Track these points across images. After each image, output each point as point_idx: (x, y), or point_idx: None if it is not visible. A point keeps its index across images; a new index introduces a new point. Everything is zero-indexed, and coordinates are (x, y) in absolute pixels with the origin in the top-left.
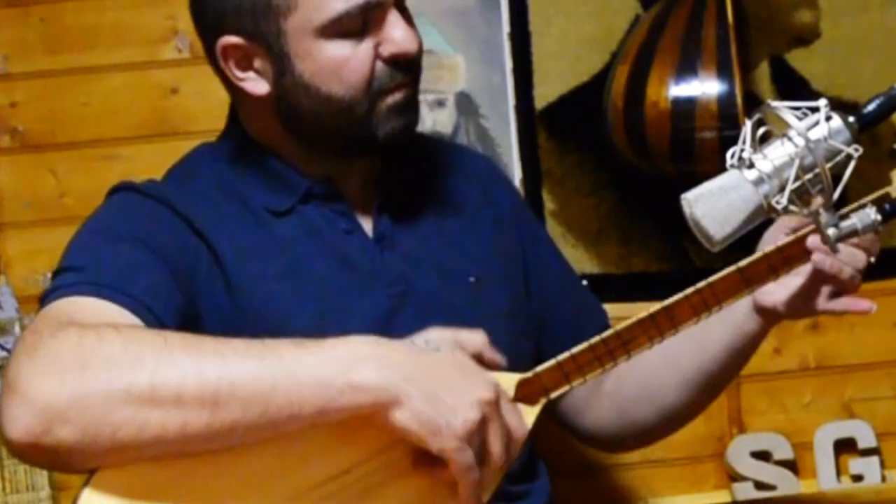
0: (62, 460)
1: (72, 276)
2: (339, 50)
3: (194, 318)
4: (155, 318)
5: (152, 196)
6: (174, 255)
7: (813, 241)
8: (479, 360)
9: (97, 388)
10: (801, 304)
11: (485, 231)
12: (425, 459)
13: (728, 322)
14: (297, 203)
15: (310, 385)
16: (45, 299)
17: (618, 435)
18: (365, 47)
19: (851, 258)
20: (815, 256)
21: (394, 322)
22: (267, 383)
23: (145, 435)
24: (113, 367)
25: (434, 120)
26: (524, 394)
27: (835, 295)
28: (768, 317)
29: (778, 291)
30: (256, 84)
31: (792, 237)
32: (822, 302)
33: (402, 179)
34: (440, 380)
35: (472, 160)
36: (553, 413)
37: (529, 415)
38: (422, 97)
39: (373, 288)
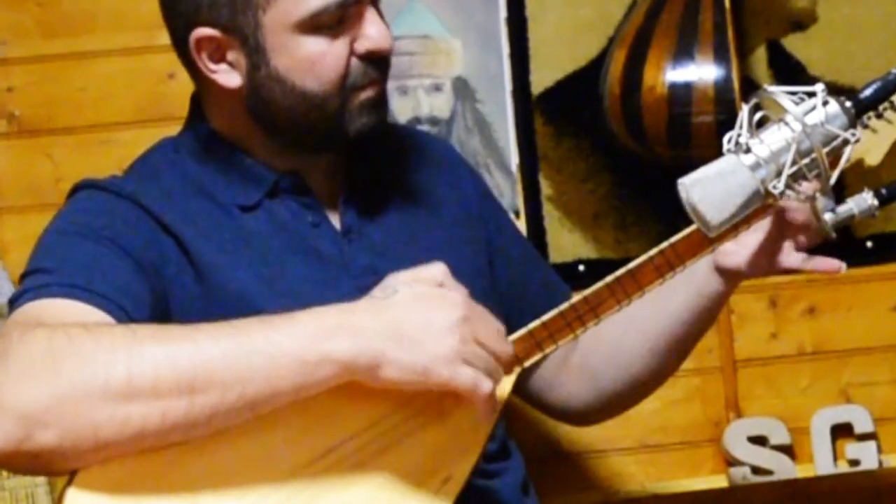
0: (45, 465)
1: (40, 278)
2: (315, 45)
3: (164, 313)
4: (125, 315)
5: (116, 193)
6: (142, 251)
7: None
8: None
9: (73, 388)
10: (765, 260)
11: (451, 220)
12: (444, 404)
13: (690, 285)
14: (264, 197)
15: (285, 362)
16: (14, 303)
17: (588, 406)
18: (340, 43)
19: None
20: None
21: None
22: (242, 364)
23: (126, 430)
24: (86, 366)
25: (431, 105)
26: None
27: (799, 251)
28: (730, 277)
29: (738, 251)
30: (228, 77)
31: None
32: (786, 258)
33: (367, 171)
34: (408, 323)
35: (435, 147)
36: (523, 391)
37: (504, 385)
38: (418, 82)
39: (341, 280)
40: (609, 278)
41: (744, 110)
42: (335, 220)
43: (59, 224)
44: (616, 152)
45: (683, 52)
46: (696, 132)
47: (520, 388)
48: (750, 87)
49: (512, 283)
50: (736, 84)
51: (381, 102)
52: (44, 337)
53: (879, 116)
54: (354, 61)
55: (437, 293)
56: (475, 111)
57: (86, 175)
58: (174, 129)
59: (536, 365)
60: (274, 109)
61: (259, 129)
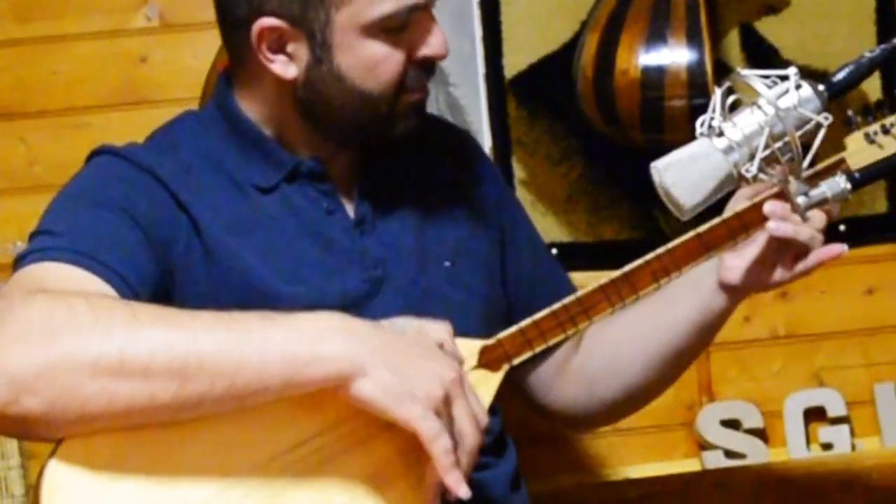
0: (29, 429)
1: (48, 240)
2: (378, 48)
3: (168, 289)
4: (129, 288)
5: (134, 163)
6: (153, 224)
7: (769, 207)
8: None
9: (65, 359)
10: (768, 274)
11: (466, 216)
12: (390, 430)
13: (694, 299)
14: (281, 181)
15: (276, 359)
16: (18, 262)
17: (584, 412)
18: (401, 47)
19: (811, 220)
20: (771, 224)
21: (368, 306)
22: (235, 357)
23: (113, 406)
24: (82, 339)
25: None
26: (487, 360)
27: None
28: (734, 293)
29: (740, 266)
30: (285, 68)
31: (750, 203)
32: (791, 267)
33: (387, 163)
34: (405, 356)
35: (456, 139)
36: (519, 391)
37: (492, 381)
38: None
39: (349, 269)
40: (604, 281)
41: (717, 94)
42: (350, 209)
43: (75, 187)
44: (589, 136)
45: (656, 36)
46: (668, 116)
47: (517, 387)
48: (723, 70)
49: (520, 279)
50: (709, 68)
51: (423, 105)
52: (45, 304)
53: (887, 132)
54: (410, 65)
55: (440, 351)
56: (448, 95)
57: (59, 159)
58: (147, 113)
59: (535, 365)
60: (326, 104)
61: (296, 118)
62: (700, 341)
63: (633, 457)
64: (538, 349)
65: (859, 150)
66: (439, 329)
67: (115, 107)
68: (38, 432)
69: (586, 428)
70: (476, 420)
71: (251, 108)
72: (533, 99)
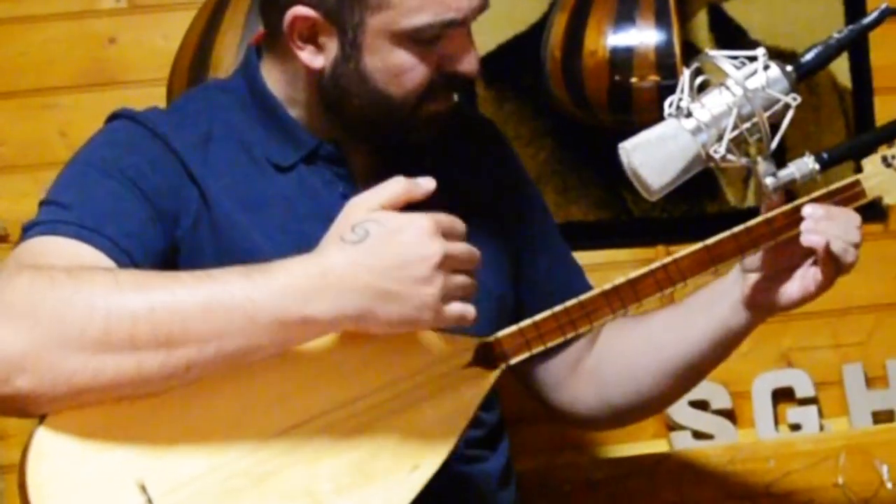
0: (20, 408)
1: (55, 212)
2: (408, 56)
3: (174, 262)
4: (131, 263)
5: (151, 130)
6: (163, 196)
7: (808, 209)
8: (409, 199)
9: (50, 336)
10: (792, 291)
11: (481, 210)
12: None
13: (713, 314)
14: (299, 161)
15: (264, 322)
16: (25, 233)
17: (592, 412)
18: (431, 59)
19: (845, 230)
20: (806, 237)
21: None
22: (221, 320)
23: (101, 379)
24: (64, 315)
25: None
26: (483, 358)
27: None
28: (757, 311)
29: (764, 284)
30: (313, 58)
31: (760, 218)
32: (814, 279)
33: (407, 151)
34: (388, 276)
35: (479, 129)
36: (528, 385)
37: (487, 379)
38: None
39: None
40: (607, 286)
41: (685, 74)
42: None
43: (89, 154)
44: (557, 117)
45: (624, 17)
46: (637, 97)
47: (525, 381)
48: (691, 51)
49: (535, 279)
50: (677, 48)
51: (448, 116)
52: (27, 281)
53: None
54: (438, 77)
55: (410, 235)
56: None
57: (27, 139)
58: (116, 94)
59: (546, 361)
60: (347, 100)
61: (319, 104)
62: (716, 356)
63: (602, 437)
64: (536, 350)
65: (876, 174)
66: (391, 189)
67: (84, 88)
68: (29, 409)
69: (594, 427)
70: (471, 258)
71: (276, 85)
72: (501, 80)
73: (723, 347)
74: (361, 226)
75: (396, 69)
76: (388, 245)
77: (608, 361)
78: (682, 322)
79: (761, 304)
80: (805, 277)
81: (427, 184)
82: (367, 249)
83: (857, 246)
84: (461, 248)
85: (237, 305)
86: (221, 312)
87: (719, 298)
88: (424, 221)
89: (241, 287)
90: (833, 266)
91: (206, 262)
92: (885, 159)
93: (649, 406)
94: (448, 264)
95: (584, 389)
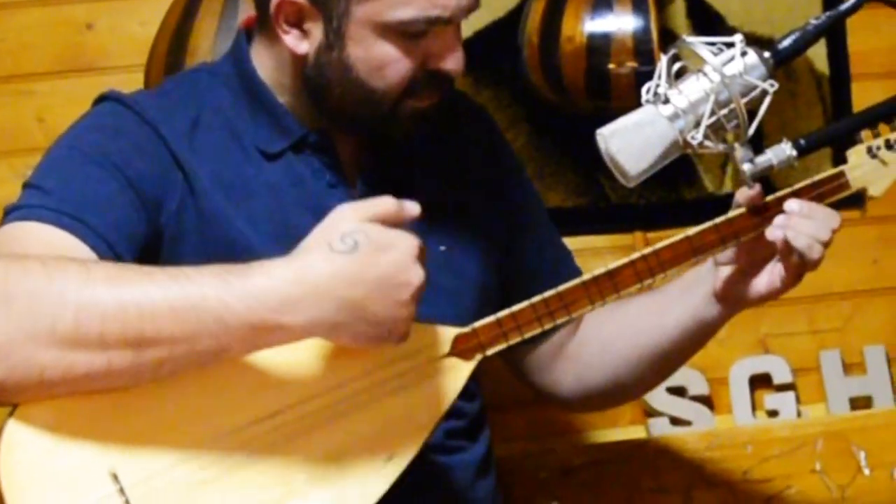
0: None
1: (37, 197)
2: (391, 49)
3: (155, 250)
4: (111, 251)
5: (139, 114)
6: (147, 183)
7: (790, 206)
8: (396, 219)
9: (21, 330)
10: (761, 285)
11: (468, 199)
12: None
13: (688, 303)
14: (288, 149)
15: (236, 326)
16: (6, 216)
17: (572, 395)
18: (415, 54)
19: (817, 228)
20: (770, 230)
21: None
22: (192, 322)
23: (72, 374)
24: (36, 309)
25: None
26: (460, 349)
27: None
28: (727, 304)
29: (734, 278)
30: (298, 43)
31: (742, 210)
32: (782, 277)
33: (395, 142)
34: (369, 291)
35: (471, 116)
36: (515, 369)
37: (463, 370)
38: None
39: None
40: (586, 276)
41: (662, 61)
42: (354, 184)
43: (74, 137)
44: (535, 103)
45: (602, 3)
46: (614, 83)
47: (512, 365)
48: (668, 37)
49: (523, 268)
50: (654, 35)
51: (431, 114)
52: (1, 270)
53: (890, 148)
54: (422, 73)
55: (394, 248)
56: None
57: (4, 126)
58: (94, 80)
59: (533, 347)
60: (329, 88)
61: (304, 92)
62: (691, 345)
63: (580, 424)
64: (513, 341)
65: (860, 165)
66: (382, 206)
67: (61, 74)
68: (0, 397)
69: (575, 409)
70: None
71: (265, 69)
72: (478, 66)
73: (697, 336)
74: (351, 236)
75: (379, 61)
76: (373, 261)
77: (587, 346)
78: (658, 309)
79: (731, 298)
80: (773, 272)
81: (414, 209)
82: (352, 262)
83: (824, 244)
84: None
85: (210, 308)
86: (193, 315)
87: (694, 288)
88: (412, 243)
89: (215, 289)
90: (796, 262)
91: (190, 250)
92: (870, 150)
93: (626, 391)
94: (422, 290)
95: (565, 373)
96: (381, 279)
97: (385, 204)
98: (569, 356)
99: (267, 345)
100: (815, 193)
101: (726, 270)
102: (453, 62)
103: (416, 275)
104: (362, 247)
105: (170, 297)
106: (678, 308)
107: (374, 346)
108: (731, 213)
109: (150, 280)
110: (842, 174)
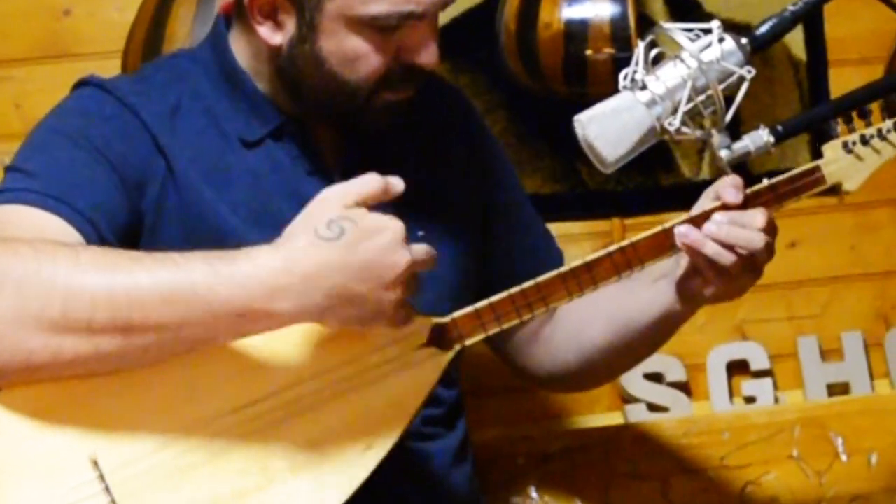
0: None
1: (21, 180)
2: (362, 43)
3: (137, 234)
4: (96, 233)
5: (119, 99)
6: (129, 166)
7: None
8: (382, 197)
9: (9, 313)
10: (720, 284)
11: (447, 183)
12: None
13: (657, 291)
14: (267, 136)
15: (224, 314)
16: None
17: (549, 377)
18: (388, 47)
19: (736, 238)
20: (684, 240)
21: None
22: (180, 309)
23: (59, 359)
24: (24, 293)
25: None
26: (438, 339)
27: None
28: (688, 301)
29: (691, 276)
30: (272, 34)
31: (716, 205)
32: (735, 276)
33: (371, 133)
34: (356, 275)
35: (448, 99)
36: (497, 351)
37: (441, 360)
38: None
39: None
40: (564, 268)
41: (640, 47)
42: (333, 171)
43: (56, 121)
44: (512, 89)
45: None
46: (592, 69)
47: (497, 348)
48: (646, 23)
49: (505, 248)
50: (632, 21)
51: (405, 107)
52: None
53: (866, 143)
54: (396, 66)
55: (381, 232)
56: None
57: None
58: (71, 66)
59: (514, 332)
60: (302, 80)
61: (280, 81)
62: (658, 335)
63: (557, 409)
64: (491, 332)
65: (836, 160)
66: (365, 185)
67: (38, 60)
68: None
69: (555, 389)
70: (429, 262)
71: (243, 57)
72: (456, 53)
73: (664, 326)
74: (337, 223)
75: (351, 54)
76: (361, 246)
77: (561, 329)
78: (628, 295)
79: (687, 294)
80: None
81: (399, 185)
82: (339, 248)
83: (765, 230)
84: (422, 251)
85: (198, 296)
86: (182, 302)
87: (660, 279)
88: (398, 227)
89: (203, 276)
90: (708, 269)
91: (172, 234)
92: (845, 145)
93: (599, 375)
94: (411, 269)
95: (540, 354)
96: (367, 263)
97: (370, 183)
98: (544, 340)
99: (254, 332)
100: (790, 188)
101: (684, 266)
102: (427, 56)
103: (403, 257)
104: (348, 233)
105: (159, 283)
106: (648, 294)
107: (362, 327)
108: (708, 208)
109: (139, 266)
110: (817, 169)
